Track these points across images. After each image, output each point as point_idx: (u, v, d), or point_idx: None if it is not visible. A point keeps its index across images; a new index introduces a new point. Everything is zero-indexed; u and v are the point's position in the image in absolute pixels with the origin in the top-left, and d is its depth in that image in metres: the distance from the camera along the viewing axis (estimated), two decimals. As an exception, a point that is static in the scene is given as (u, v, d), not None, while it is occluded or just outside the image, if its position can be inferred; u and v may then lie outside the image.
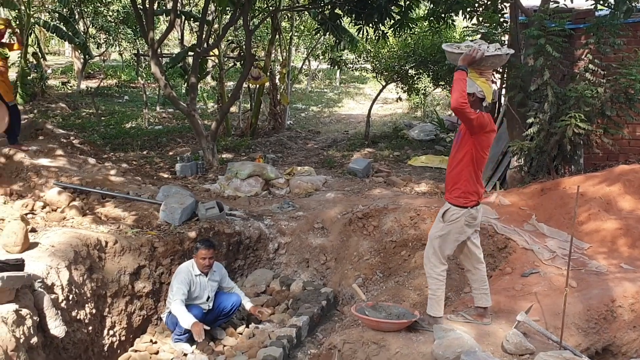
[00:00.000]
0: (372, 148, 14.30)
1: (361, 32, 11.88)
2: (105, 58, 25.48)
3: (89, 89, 20.44)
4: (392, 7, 11.30)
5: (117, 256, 6.33)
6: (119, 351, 6.13)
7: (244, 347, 6.10)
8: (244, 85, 14.81)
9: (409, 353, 4.41)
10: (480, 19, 10.20)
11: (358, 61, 19.80)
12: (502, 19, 9.59)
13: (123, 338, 6.21)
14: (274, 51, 17.33)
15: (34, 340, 4.48)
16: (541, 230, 6.94)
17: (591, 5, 8.81)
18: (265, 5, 15.22)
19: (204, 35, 12.55)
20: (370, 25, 11.61)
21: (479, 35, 9.48)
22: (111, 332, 6.05)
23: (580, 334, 4.85)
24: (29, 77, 16.94)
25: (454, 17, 12.07)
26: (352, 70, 21.08)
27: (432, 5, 11.48)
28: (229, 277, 6.72)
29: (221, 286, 6.53)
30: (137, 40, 19.40)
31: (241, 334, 6.48)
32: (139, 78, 18.82)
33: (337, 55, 19.67)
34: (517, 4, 9.04)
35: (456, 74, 4.35)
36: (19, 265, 4.76)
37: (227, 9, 15.01)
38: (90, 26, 19.50)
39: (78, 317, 5.47)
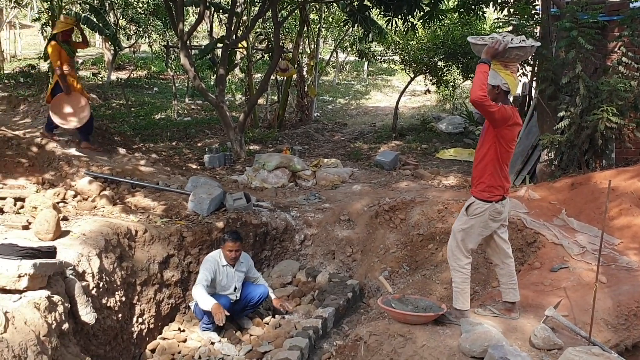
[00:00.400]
0: (399, 141, 14.23)
1: (390, 24, 11.80)
2: (135, 49, 25.73)
3: (119, 80, 20.67)
4: (422, -1, 11.22)
5: (147, 245, 6.41)
6: (147, 339, 6.22)
7: (270, 337, 6.14)
8: (272, 77, 14.84)
9: (435, 346, 4.41)
10: (512, 10, 10.07)
11: (386, 53, 19.65)
12: (533, 11, 9.46)
13: (152, 326, 6.30)
14: (302, 43, 17.32)
15: (65, 326, 4.57)
16: (571, 225, 6.85)
17: (626, -4, 8.66)
18: (294, -3, 15.22)
19: (232, 27, 12.59)
20: (400, 16, 11.52)
21: (510, 27, 9.36)
22: (140, 320, 6.14)
23: (610, 330, 4.79)
24: (60, 68, 17.16)
25: (485, 9, 11.93)
26: (380, 62, 20.95)
27: (462, -3, 11.39)
28: (255, 267, 6.77)
29: (247, 276, 6.58)
30: (166, 32, 19.53)
31: (267, 324, 6.53)
32: (169, 70, 18.97)
33: (365, 47, 19.57)
34: (549, -5, 8.92)
35: (478, 66, 4.30)
36: (51, 252, 4.85)
37: (256, 0, 15.05)
38: (121, 18, 19.67)
39: (108, 305, 5.56)
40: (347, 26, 17.81)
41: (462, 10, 11.78)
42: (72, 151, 8.79)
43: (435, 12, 11.34)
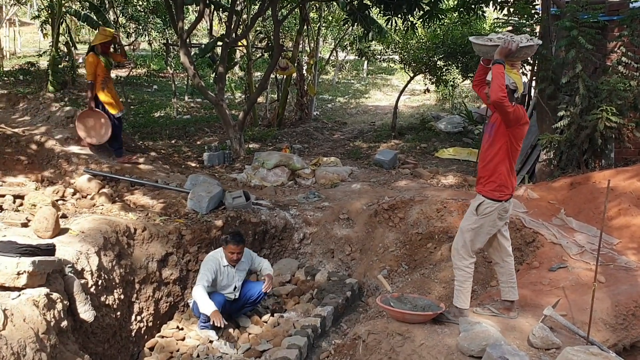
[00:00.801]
0: (398, 140, 14.24)
1: (390, 23, 11.80)
2: (134, 47, 25.69)
3: (118, 78, 20.63)
4: (422, -2, 11.21)
5: (146, 243, 6.41)
6: (146, 337, 6.22)
7: (269, 335, 6.14)
8: (272, 75, 14.83)
9: (433, 345, 4.41)
10: (512, 10, 10.07)
11: (386, 52, 19.65)
12: (533, 11, 9.45)
13: (150, 324, 6.30)
14: (301, 42, 17.31)
15: (64, 323, 4.57)
16: (570, 225, 6.86)
17: (626, -4, 8.66)
18: (294, -4, 15.21)
19: (232, 26, 12.58)
20: (399, 16, 11.52)
21: (509, 27, 9.36)
22: (139, 318, 6.14)
23: (608, 329, 4.80)
24: (59, 66, 17.16)
25: (484, 8, 11.92)
26: (380, 61, 20.94)
27: (462, -4, 11.38)
28: (257, 256, 6.70)
29: (253, 268, 6.58)
30: (166, 30, 19.53)
31: (266, 322, 6.53)
32: (168, 68, 18.96)
33: (365, 46, 19.55)
34: (549, -5, 8.92)
35: (494, 67, 4.32)
36: (50, 250, 4.85)
37: (255, -1, 15.05)
38: (120, 15, 19.66)
39: (107, 302, 5.57)
40: (346, 25, 17.81)
41: (461, 9, 11.77)
42: (72, 149, 8.79)
43: (435, 11, 11.34)
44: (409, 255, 7.27)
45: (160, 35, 20.59)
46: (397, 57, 18.31)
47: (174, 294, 6.69)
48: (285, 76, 15.76)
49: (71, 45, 18.94)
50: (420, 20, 11.71)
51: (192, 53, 13.92)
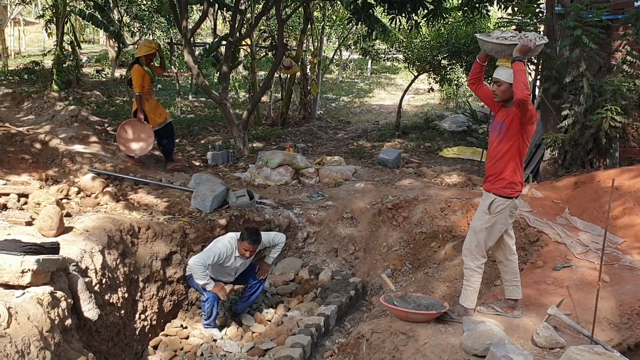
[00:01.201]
0: (402, 139, 14.21)
1: (394, 22, 11.78)
2: (138, 47, 25.70)
3: (122, 77, 20.65)
4: (426, -3, 11.20)
5: (150, 242, 6.43)
6: (150, 335, 6.24)
7: (273, 334, 6.15)
8: (275, 74, 14.83)
9: (437, 344, 4.40)
10: (516, 9, 10.04)
11: (390, 51, 19.60)
12: (537, 9, 9.43)
13: (154, 322, 6.31)
14: (305, 41, 17.31)
15: (68, 322, 4.58)
16: (574, 224, 6.84)
17: (630, -5, 8.62)
18: (298, -5, 15.20)
19: (236, 25, 12.59)
20: (403, 15, 11.51)
21: (513, 26, 9.33)
22: (142, 317, 6.15)
23: (612, 329, 4.78)
24: (64, 65, 17.19)
25: (489, 7, 11.90)
26: (384, 60, 20.88)
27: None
28: (276, 238, 6.62)
29: (266, 247, 6.55)
30: (170, 29, 19.51)
31: (270, 321, 6.54)
32: (172, 67, 18.97)
33: (369, 45, 19.52)
34: (553, -7, 8.89)
35: (516, 65, 4.32)
36: (54, 248, 4.87)
37: (259, -2, 15.05)
38: (125, 15, 19.66)
39: (111, 301, 5.58)
40: (350, 24, 17.78)
41: (466, 8, 11.73)
42: (76, 148, 8.81)
43: (439, 10, 11.33)
44: (413, 254, 7.27)
45: (164, 35, 20.57)
46: (401, 56, 18.28)
47: (178, 293, 6.71)
48: (289, 75, 15.76)
49: (76, 44, 18.96)
50: (425, 19, 11.69)
51: (196, 52, 13.93)
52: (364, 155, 12.27)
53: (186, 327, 6.49)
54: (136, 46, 8.90)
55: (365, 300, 7.06)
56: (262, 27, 17.81)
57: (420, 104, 21.35)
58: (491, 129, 4.78)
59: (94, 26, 16.48)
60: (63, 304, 4.56)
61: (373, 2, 11.84)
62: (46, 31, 20.26)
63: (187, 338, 6.27)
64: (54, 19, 17.32)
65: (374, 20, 12.37)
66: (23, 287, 4.36)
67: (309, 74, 16.68)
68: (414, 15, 11.55)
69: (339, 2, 16.78)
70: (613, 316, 4.87)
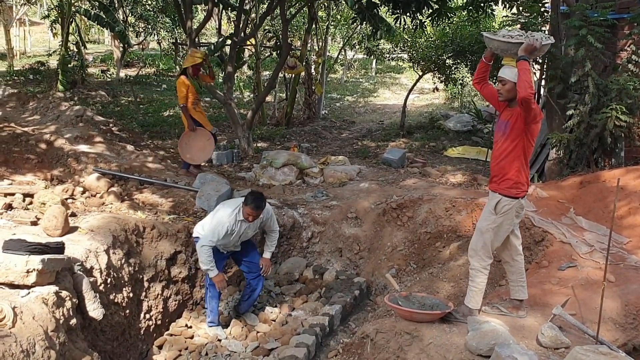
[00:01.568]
0: (407, 138, 14.20)
1: (398, 22, 11.77)
2: (143, 47, 25.76)
3: (127, 77, 20.70)
4: (430, -4, 11.18)
5: (154, 241, 6.44)
6: (154, 335, 6.25)
7: (277, 334, 6.16)
8: (280, 74, 14.84)
9: (442, 344, 4.40)
10: (521, 8, 10.02)
11: (394, 51, 19.60)
12: (542, 9, 9.40)
13: (159, 322, 6.33)
14: (310, 41, 17.31)
15: (73, 321, 4.59)
16: (579, 224, 6.82)
17: (636, -6, 8.58)
18: (302, -5, 15.20)
19: (241, 25, 12.60)
20: (408, 14, 11.49)
21: (518, 25, 9.31)
22: (147, 316, 6.16)
23: (618, 329, 4.77)
24: (69, 65, 17.26)
25: (493, 6, 11.87)
26: (389, 60, 20.87)
27: (471, -6, 11.33)
28: (274, 220, 6.54)
29: (264, 225, 6.46)
30: (175, 29, 19.60)
31: (274, 320, 6.54)
32: (177, 67, 19.00)
33: (374, 45, 19.51)
34: (558, -7, 8.86)
35: (520, 64, 4.30)
36: (59, 248, 4.88)
37: (264, -2, 15.05)
38: (130, 15, 19.73)
39: (116, 301, 5.59)
40: (355, 24, 17.78)
41: (470, 7, 11.72)
42: (81, 147, 8.83)
43: (444, 9, 11.31)
44: (417, 254, 7.26)
45: (169, 35, 20.65)
46: (405, 56, 18.26)
47: (182, 292, 6.72)
48: (293, 75, 15.76)
49: (81, 44, 19.03)
50: (429, 18, 11.67)
51: (201, 52, 13.93)
52: (368, 155, 12.26)
53: (191, 327, 6.50)
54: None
55: (369, 300, 7.06)
56: (266, 27, 17.83)
57: (425, 104, 21.33)
58: (496, 128, 4.76)
59: (99, 26, 16.52)
60: (68, 304, 4.57)
61: (377, 2, 11.82)
62: (51, 31, 20.33)
63: (191, 337, 6.28)
64: (59, 19, 17.40)
65: (378, 19, 12.34)
66: (28, 287, 4.37)
67: (314, 73, 16.68)
68: (418, 14, 11.53)
69: (343, 2, 16.76)
70: (618, 316, 4.85)
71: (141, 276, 6.14)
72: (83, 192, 7.42)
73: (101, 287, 5.37)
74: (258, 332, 6.32)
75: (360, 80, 27.25)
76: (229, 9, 15.75)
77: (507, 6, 11.06)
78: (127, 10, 19.65)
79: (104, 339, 5.32)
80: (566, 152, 8.50)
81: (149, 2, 18.86)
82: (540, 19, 9.18)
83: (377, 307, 6.72)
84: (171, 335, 6.35)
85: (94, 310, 4.98)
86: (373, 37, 13.75)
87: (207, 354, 5.91)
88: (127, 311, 5.77)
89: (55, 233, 5.50)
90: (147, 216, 6.88)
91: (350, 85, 25.60)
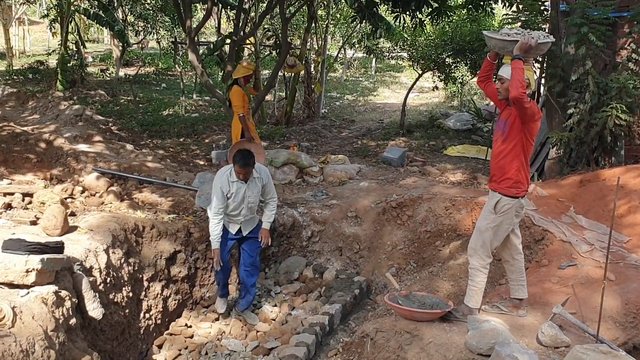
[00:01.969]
0: (407, 137, 14.20)
1: (398, 20, 11.76)
2: (143, 46, 25.77)
3: (127, 77, 20.70)
4: (430, -5, 11.17)
5: (154, 241, 6.43)
6: (154, 334, 6.25)
7: (277, 333, 6.15)
8: (280, 73, 14.82)
9: (442, 343, 4.39)
10: (520, 6, 10.00)
11: (394, 50, 19.60)
12: (542, 7, 9.39)
13: (159, 321, 6.32)
14: (309, 39, 17.30)
15: (73, 321, 4.59)
16: (579, 223, 6.81)
17: (637, -8, 8.57)
18: (302, -7, 15.18)
19: (240, 24, 12.58)
20: (408, 13, 11.48)
21: (518, 24, 9.30)
22: (147, 316, 6.16)
23: (618, 328, 4.76)
24: (69, 65, 17.25)
25: (493, 5, 11.86)
26: (388, 58, 20.86)
27: (470, -7, 11.32)
28: (271, 185, 6.49)
29: (265, 188, 6.40)
30: (174, 28, 19.55)
31: (274, 320, 6.54)
32: (176, 66, 19.00)
33: (373, 44, 19.49)
34: (558, -9, 8.85)
35: (514, 62, 4.29)
36: (58, 248, 4.87)
37: (263, -3, 15.04)
38: (129, 14, 19.72)
39: (115, 300, 5.58)
40: (355, 22, 17.78)
41: (470, 6, 11.70)
42: (80, 147, 8.82)
43: (444, 8, 11.29)
44: (417, 253, 7.25)
45: (168, 34, 20.61)
46: (405, 55, 18.27)
47: (182, 292, 6.71)
48: (293, 74, 15.75)
49: (80, 43, 19.02)
50: (429, 17, 11.66)
51: (200, 51, 13.94)
52: (368, 153, 12.26)
53: (191, 326, 6.50)
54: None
55: (369, 299, 7.05)
56: (266, 26, 17.80)
57: (424, 102, 21.33)
58: (496, 127, 4.76)
59: (98, 25, 16.52)
60: (67, 303, 4.56)
61: (377, 1, 11.82)
62: (51, 30, 20.33)
63: (191, 337, 6.27)
64: (59, 19, 17.40)
65: (378, 18, 12.34)
66: (27, 287, 4.36)
67: (313, 72, 16.68)
68: (418, 13, 11.53)
69: (343, 1, 16.76)
70: (618, 315, 4.85)
71: (141, 275, 6.13)
72: (82, 192, 7.41)
73: (101, 287, 5.36)
74: (258, 331, 6.31)
75: (360, 79, 27.24)
76: (229, 7, 15.74)
77: (507, 4, 11.05)
78: (127, 9, 19.64)
79: (103, 338, 5.31)
80: (566, 151, 8.49)
81: (148, 1, 18.83)
82: (540, 18, 9.16)
83: (377, 306, 6.72)
84: (171, 334, 6.35)
85: (94, 309, 4.98)
86: (373, 35, 13.75)
87: (207, 353, 5.91)
88: (127, 311, 5.76)
89: (55, 232, 5.50)
90: (147, 215, 6.88)
91: (350, 84, 25.59)
